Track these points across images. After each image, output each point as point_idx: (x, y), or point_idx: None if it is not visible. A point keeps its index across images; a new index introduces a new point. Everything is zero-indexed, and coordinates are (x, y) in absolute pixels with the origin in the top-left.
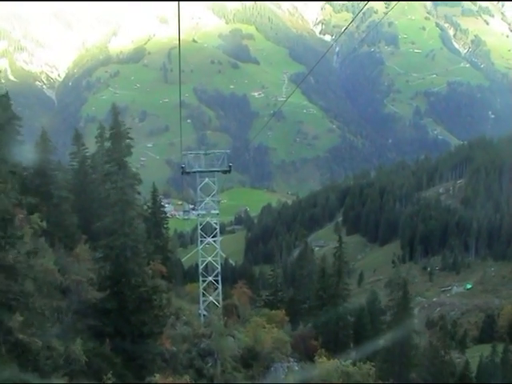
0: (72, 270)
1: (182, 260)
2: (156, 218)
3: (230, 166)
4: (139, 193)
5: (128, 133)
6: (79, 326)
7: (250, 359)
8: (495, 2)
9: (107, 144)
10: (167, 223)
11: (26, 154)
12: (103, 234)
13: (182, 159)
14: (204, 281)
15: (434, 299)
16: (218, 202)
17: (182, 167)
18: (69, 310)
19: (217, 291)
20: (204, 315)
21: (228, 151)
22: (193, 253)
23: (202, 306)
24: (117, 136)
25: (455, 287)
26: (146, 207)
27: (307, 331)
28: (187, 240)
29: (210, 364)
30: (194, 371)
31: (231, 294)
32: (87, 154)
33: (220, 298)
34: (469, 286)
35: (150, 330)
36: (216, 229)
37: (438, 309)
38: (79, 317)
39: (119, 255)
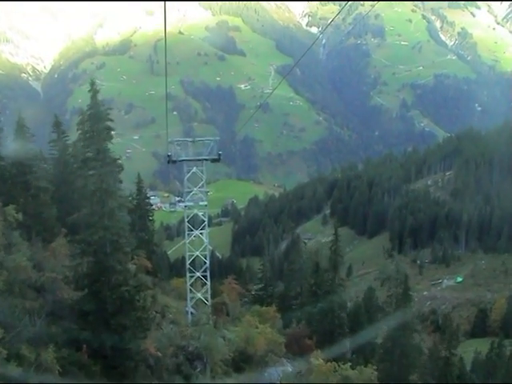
0: (48, 266)
1: (169, 253)
2: (141, 210)
3: (219, 155)
4: (121, 181)
5: (108, 114)
6: (53, 329)
7: (242, 362)
8: None
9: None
10: (152, 215)
11: (4, 143)
12: (81, 227)
13: (167, 147)
14: (191, 276)
15: (425, 293)
16: (207, 192)
17: (169, 155)
18: (42, 312)
19: (205, 287)
20: (192, 313)
21: (218, 138)
22: (179, 245)
23: (189, 304)
24: (95, 117)
25: (445, 280)
26: (130, 199)
27: (301, 330)
28: (173, 232)
29: (198, 369)
30: (182, 377)
31: (220, 291)
32: (68, 143)
33: (209, 295)
34: (459, 280)
35: (133, 335)
36: (204, 221)
37: (428, 302)
38: (54, 319)
39: (97, 251)
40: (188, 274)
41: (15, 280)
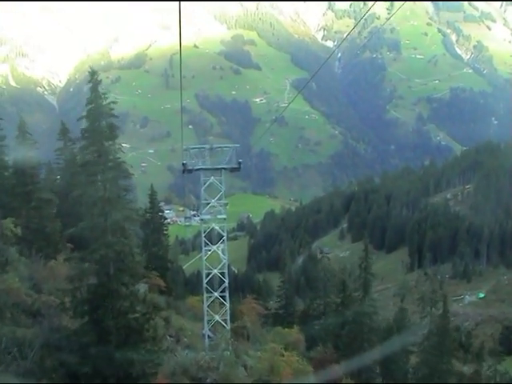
0: (46, 287)
1: (184, 267)
2: (154, 224)
3: (239, 163)
4: (127, 189)
5: (112, 109)
6: (48, 363)
7: None
8: (497, 7)
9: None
10: (167, 229)
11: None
12: (80, 244)
13: (182, 155)
14: (209, 297)
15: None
16: (226, 204)
17: (184, 164)
18: (36, 341)
19: (224, 309)
20: (209, 337)
21: (237, 145)
22: (195, 260)
23: (206, 327)
24: (95, 113)
25: (467, 296)
26: (143, 212)
27: (328, 355)
28: (189, 247)
29: None
30: None
31: (239, 311)
32: (75, 151)
33: (228, 318)
34: (481, 295)
35: (141, 371)
36: (223, 236)
37: (451, 319)
38: (49, 351)
39: (99, 272)
40: (205, 295)
41: (6, 304)
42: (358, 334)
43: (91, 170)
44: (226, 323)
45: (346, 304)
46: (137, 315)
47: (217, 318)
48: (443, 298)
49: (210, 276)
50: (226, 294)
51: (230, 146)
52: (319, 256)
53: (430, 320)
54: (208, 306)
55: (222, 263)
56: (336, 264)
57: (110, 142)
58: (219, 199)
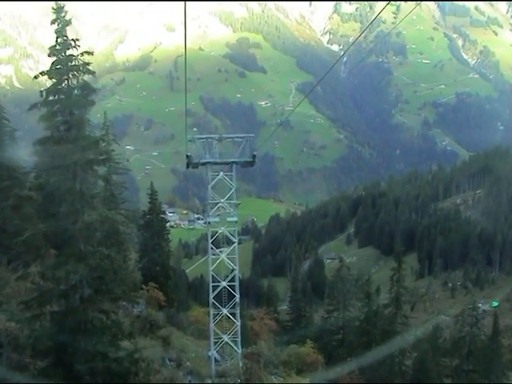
0: (9, 308)
1: (187, 271)
2: (153, 229)
3: (253, 156)
4: (107, 180)
5: (88, 63)
6: None
7: None
8: (504, 12)
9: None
10: (169, 234)
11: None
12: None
13: (186, 147)
14: (216, 313)
15: (459, 318)
16: (237, 205)
17: (188, 156)
18: None
19: (234, 327)
20: (216, 360)
21: (252, 135)
22: (198, 263)
23: (212, 348)
24: (63, 67)
25: (481, 305)
26: (142, 214)
27: (352, 380)
28: (192, 250)
29: None
30: None
31: (251, 328)
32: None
33: (239, 339)
34: (495, 304)
35: None
36: (233, 242)
37: (465, 329)
38: None
39: (68, 295)
40: (212, 311)
41: None
42: (388, 356)
43: (55, 151)
44: (236, 345)
45: (372, 320)
46: (120, 355)
47: (225, 339)
48: (495, 317)
49: (219, 289)
50: (237, 310)
51: (243, 135)
52: (338, 264)
53: (469, 340)
54: (215, 323)
55: (232, 274)
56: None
57: (84, 111)
58: (229, 199)
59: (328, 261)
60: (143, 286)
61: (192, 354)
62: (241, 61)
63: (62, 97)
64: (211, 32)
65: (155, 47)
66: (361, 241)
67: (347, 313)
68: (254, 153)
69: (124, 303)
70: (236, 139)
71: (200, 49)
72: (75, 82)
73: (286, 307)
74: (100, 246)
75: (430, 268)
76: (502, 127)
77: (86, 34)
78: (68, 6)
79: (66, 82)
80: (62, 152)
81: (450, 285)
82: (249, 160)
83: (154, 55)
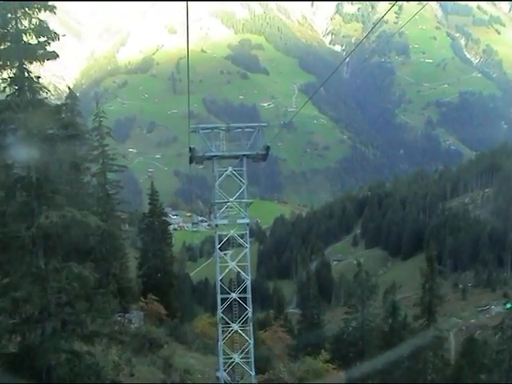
0: None
1: (191, 274)
2: (154, 232)
3: (267, 148)
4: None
5: (55, 9)
6: None
7: None
8: (506, 11)
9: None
10: (171, 238)
11: None
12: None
13: (189, 139)
14: (225, 329)
15: (472, 320)
16: (249, 204)
17: (191, 149)
18: None
19: (246, 346)
20: (225, 382)
21: (265, 124)
22: (203, 266)
23: (221, 369)
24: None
25: (493, 306)
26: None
27: None
28: (196, 253)
29: None
30: None
31: (262, 341)
32: None
33: (252, 359)
34: (509, 305)
35: None
36: (246, 248)
37: (478, 332)
38: None
39: (22, 332)
40: (220, 328)
41: None
42: (421, 374)
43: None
44: (248, 365)
45: (399, 333)
46: None
47: (237, 359)
48: None
49: (229, 301)
50: (250, 327)
51: (255, 124)
52: (356, 270)
53: (509, 355)
54: (222, 330)
55: (244, 285)
56: (350, 272)
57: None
58: (239, 197)
59: (334, 262)
60: (142, 299)
61: (198, 375)
62: (243, 62)
63: (9, 44)
64: (213, 34)
65: (157, 49)
66: (367, 242)
67: (369, 322)
68: (268, 144)
69: (119, 318)
70: (246, 129)
71: (202, 51)
72: (26, 24)
73: (292, 310)
74: (70, 261)
75: (440, 269)
76: (505, 126)
77: (88, 36)
78: (69, 9)
79: (14, 22)
80: (9, 122)
81: (460, 286)
82: (261, 153)
83: (156, 57)
